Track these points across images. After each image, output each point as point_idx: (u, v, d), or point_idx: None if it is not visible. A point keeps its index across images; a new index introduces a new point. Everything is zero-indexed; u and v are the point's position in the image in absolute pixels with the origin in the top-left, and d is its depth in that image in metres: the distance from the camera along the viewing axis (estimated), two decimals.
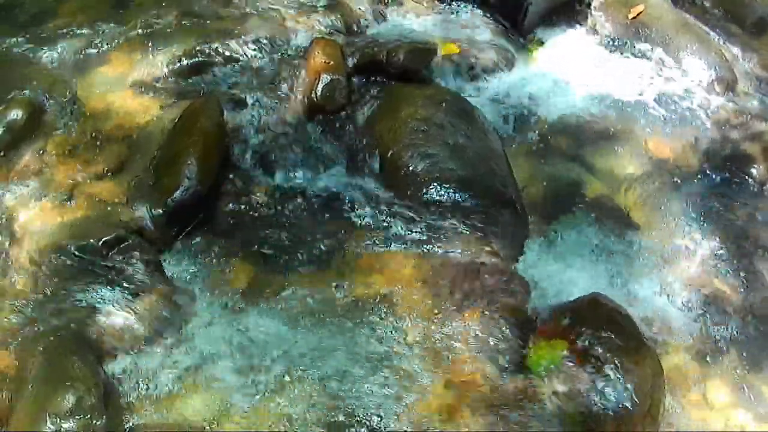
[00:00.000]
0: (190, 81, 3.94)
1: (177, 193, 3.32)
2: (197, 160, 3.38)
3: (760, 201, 3.85)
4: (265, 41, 4.11)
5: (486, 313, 3.08)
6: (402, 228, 3.38)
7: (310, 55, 3.86)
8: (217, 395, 2.87)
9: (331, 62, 3.79)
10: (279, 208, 3.50)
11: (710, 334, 3.32)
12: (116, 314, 3.05)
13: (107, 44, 4.11)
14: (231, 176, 3.57)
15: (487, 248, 3.31)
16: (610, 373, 2.81)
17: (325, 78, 3.75)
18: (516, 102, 4.17)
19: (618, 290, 3.33)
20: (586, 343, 2.89)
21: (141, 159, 3.53)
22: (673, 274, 3.50)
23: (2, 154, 3.57)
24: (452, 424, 2.78)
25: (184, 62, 3.98)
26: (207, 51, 4.03)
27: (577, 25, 4.68)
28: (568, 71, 4.38)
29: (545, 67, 4.41)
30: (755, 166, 3.95)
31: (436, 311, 3.11)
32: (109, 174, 3.52)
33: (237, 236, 3.39)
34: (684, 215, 3.74)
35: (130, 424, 2.78)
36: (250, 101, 3.81)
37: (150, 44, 4.08)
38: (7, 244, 3.29)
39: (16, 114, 3.66)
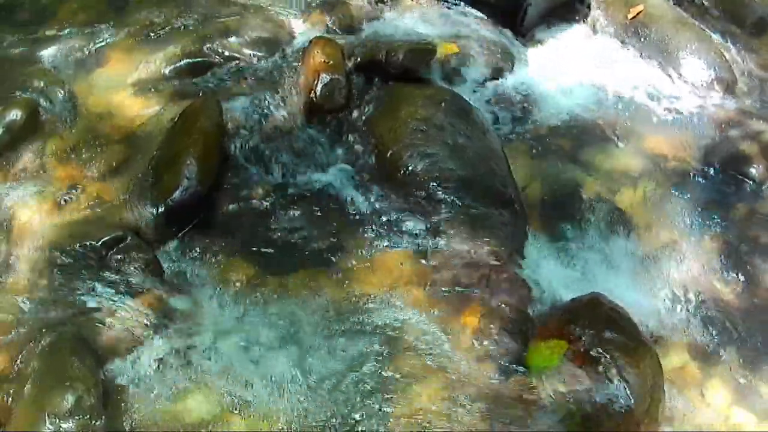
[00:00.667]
0: (189, 81, 3.95)
1: (176, 193, 3.31)
2: (196, 160, 3.38)
3: (760, 201, 3.85)
4: (264, 41, 4.12)
5: (485, 312, 3.09)
6: (401, 227, 3.38)
7: (309, 54, 3.85)
8: (216, 395, 2.87)
9: (331, 62, 3.79)
10: (278, 207, 3.50)
11: (710, 334, 3.32)
12: (115, 314, 3.05)
13: (106, 44, 4.11)
14: (230, 176, 3.57)
15: (487, 248, 3.31)
16: (610, 372, 2.81)
17: (325, 77, 3.75)
18: (515, 102, 4.17)
19: (617, 290, 3.32)
20: (586, 342, 2.89)
21: (140, 159, 3.53)
22: (673, 274, 3.50)
23: (1, 154, 3.58)
24: (452, 424, 2.78)
25: (184, 62, 3.99)
26: (206, 51, 4.04)
27: (577, 25, 4.68)
28: (568, 71, 4.38)
29: (545, 67, 4.40)
30: (754, 165, 3.95)
31: (435, 311, 3.11)
32: (109, 174, 3.53)
33: (236, 236, 3.38)
34: (683, 215, 3.74)
35: (130, 424, 2.78)
36: (249, 101, 3.81)
37: (149, 44, 4.09)
38: (6, 244, 3.29)
39: (15, 114, 3.66)
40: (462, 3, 4.57)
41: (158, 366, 2.94)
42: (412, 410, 2.82)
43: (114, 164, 3.56)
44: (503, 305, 3.11)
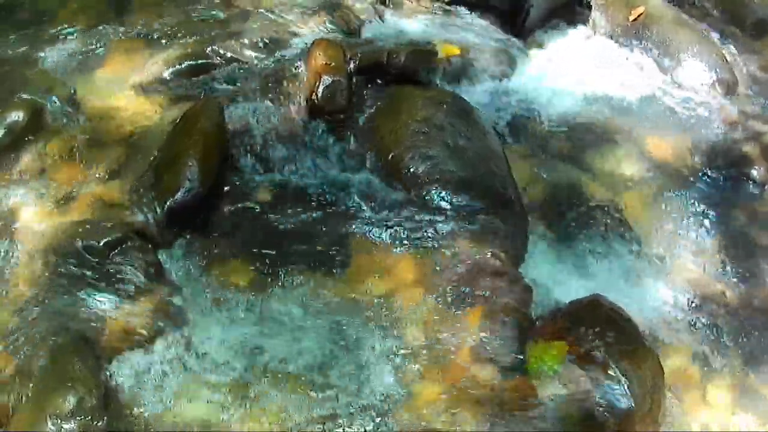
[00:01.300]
0: (190, 82, 3.94)
1: (178, 195, 3.31)
2: (198, 161, 3.38)
3: (761, 202, 3.85)
4: (266, 42, 4.11)
5: (486, 313, 3.09)
6: (402, 229, 3.38)
7: (311, 56, 3.86)
8: (217, 395, 2.87)
9: (332, 63, 3.79)
10: (279, 209, 3.50)
11: (710, 336, 3.32)
12: (117, 315, 3.05)
13: (108, 46, 4.11)
14: (231, 177, 3.57)
15: (488, 249, 3.31)
16: (611, 374, 2.81)
17: (326, 79, 3.75)
18: (516, 103, 4.17)
19: (618, 291, 3.32)
20: (587, 344, 2.89)
21: (141, 160, 3.53)
22: (674, 275, 3.51)
23: (3, 155, 3.58)
24: (453, 424, 2.78)
25: (185, 63, 3.98)
26: (208, 52, 4.03)
27: (578, 27, 4.69)
28: (569, 72, 4.39)
29: (545, 69, 4.41)
30: (756, 167, 3.96)
31: (436, 312, 3.11)
32: (110, 175, 3.52)
33: (237, 237, 3.38)
34: (684, 216, 3.74)
35: (131, 425, 2.78)
36: (250, 102, 3.81)
37: (150, 45, 4.10)
38: (8, 245, 3.29)
39: (16, 116, 3.67)
40: (463, 5, 4.58)
41: (159, 367, 2.94)
42: (413, 411, 2.82)
43: (115, 165, 3.56)
44: (504, 306, 3.11)
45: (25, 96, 3.79)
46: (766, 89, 4.43)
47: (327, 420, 2.80)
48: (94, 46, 4.10)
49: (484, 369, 2.95)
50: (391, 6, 4.54)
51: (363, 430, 2.78)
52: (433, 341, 3.03)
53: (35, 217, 3.37)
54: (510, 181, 3.61)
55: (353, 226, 3.43)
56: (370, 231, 3.41)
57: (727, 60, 4.45)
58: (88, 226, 3.32)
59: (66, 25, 4.22)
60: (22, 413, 2.76)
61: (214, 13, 4.31)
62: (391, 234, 3.39)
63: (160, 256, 3.29)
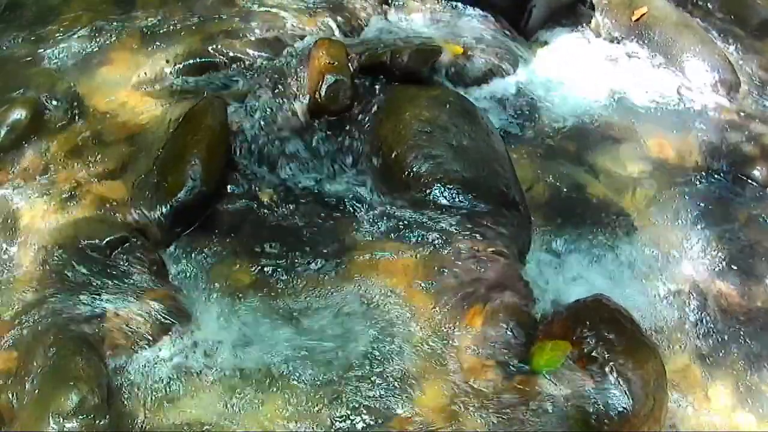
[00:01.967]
0: (193, 81, 3.94)
1: (181, 194, 3.32)
2: (201, 160, 3.38)
3: (763, 203, 3.85)
4: (269, 41, 4.11)
5: (489, 313, 3.08)
6: (405, 228, 3.38)
7: (313, 55, 3.85)
8: (219, 395, 2.87)
9: (335, 63, 3.78)
10: (282, 208, 3.50)
11: (714, 336, 3.32)
12: (119, 314, 3.05)
13: (111, 44, 4.11)
14: (234, 176, 3.57)
15: (491, 249, 3.31)
16: (613, 373, 2.80)
17: (329, 78, 3.74)
18: (519, 103, 4.17)
19: (621, 291, 3.33)
20: (590, 344, 2.88)
21: (144, 159, 3.53)
22: (677, 276, 3.50)
23: (5, 153, 3.59)
24: (453, 424, 2.78)
25: (188, 62, 3.98)
26: (211, 51, 4.02)
27: (581, 27, 4.69)
28: (572, 73, 4.38)
29: (548, 69, 4.41)
30: (758, 168, 3.96)
31: (438, 311, 3.11)
32: (113, 174, 3.52)
33: (240, 236, 3.39)
34: (687, 217, 3.74)
35: (134, 424, 2.78)
36: (253, 101, 3.80)
37: (154, 44, 4.09)
38: (10, 243, 3.30)
39: (19, 114, 3.67)
40: (466, 4, 4.57)
41: (162, 366, 2.94)
42: (414, 411, 2.82)
43: (118, 164, 3.56)
44: (507, 306, 3.10)
45: (27, 94, 3.79)
46: None
47: (328, 419, 2.80)
48: (97, 45, 4.10)
49: (487, 368, 2.94)
50: (394, 5, 4.54)
51: (364, 429, 2.78)
52: (435, 340, 3.03)
53: (37, 215, 3.38)
54: (513, 181, 3.61)
55: (355, 226, 3.43)
56: (372, 230, 3.41)
57: (729, 60, 4.45)
58: (90, 225, 3.33)
59: (69, 24, 4.21)
60: (24, 412, 2.76)
61: (217, 11, 4.31)
62: (393, 233, 3.38)
63: (162, 255, 3.30)
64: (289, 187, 3.58)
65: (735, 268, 3.57)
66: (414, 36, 4.28)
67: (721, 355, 3.29)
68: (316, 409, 2.83)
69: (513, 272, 3.29)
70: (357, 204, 3.50)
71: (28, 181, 3.51)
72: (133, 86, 3.92)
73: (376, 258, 3.29)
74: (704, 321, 3.37)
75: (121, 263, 3.20)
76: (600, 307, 3.06)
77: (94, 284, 3.13)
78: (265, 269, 3.26)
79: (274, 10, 4.34)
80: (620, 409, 2.77)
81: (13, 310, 3.07)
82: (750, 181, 3.93)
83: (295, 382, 2.90)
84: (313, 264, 3.28)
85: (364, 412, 2.82)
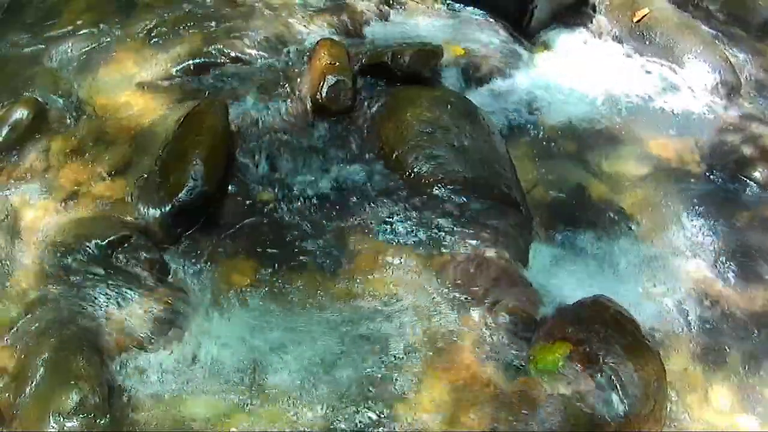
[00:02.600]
0: (195, 81, 3.95)
1: (182, 193, 3.32)
2: (203, 160, 3.39)
3: (763, 204, 3.85)
4: (270, 42, 4.12)
5: (490, 314, 3.09)
6: (406, 229, 3.38)
7: (315, 56, 3.86)
8: (220, 394, 2.87)
9: (337, 63, 3.79)
10: (283, 208, 3.50)
11: (714, 337, 3.32)
12: (121, 313, 3.05)
13: (113, 44, 4.12)
14: (236, 176, 3.57)
15: (492, 250, 3.31)
16: (613, 375, 2.81)
17: (331, 79, 3.75)
18: (521, 104, 4.17)
19: (622, 292, 3.32)
20: (590, 344, 2.89)
21: (146, 159, 3.53)
22: (677, 277, 3.50)
23: (7, 153, 3.59)
24: (455, 424, 2.79)
25: (190, 62, 3.99)
26: (213, 51, 4.04)
27: (582, 28, 4.69)
28: (573, 74, 4.38)
29: (550, 70, 4.41)
30: (759, 169, 3.95)
31: (439, 311, 3.12)
32: (115, 173, 3.53)
33: (241, 236, 3.39)
34: (688, 218, 3.74)
35: (134, 423, 2.78)
36: (255, 102, 3.81)
37: (156, 44, 4.10)
38: (12, 243, 3.30)
39: (21, 113, 3.67)
40: (468, 5, 4.58)
41: (163, 366, 2.95)
42: (416, 411, 2.82)
43: (120, 164, 3.56)
44: (508, 306, 3.11)
45: (30, 94, 3.81)
46: None
47: (329, 419, 2.80)
48: (99, 45, 4.10)
49: (488, 369, 2.95)
50: (396, 6, 4.54)
51: (364, 429, 2.78)
52: (437, 341, 3.03)
53: (40, 214, 3.38)
54: (515, 182, 3.62)
55: (357, 226, 3.43)
56: (374, 230, 3.41)
57: (730, 62, 4.45)
58: (91, 224, 3.33)
59: (71, 24, 4.22)
60: (25, 411, 2.76)
61: (218, 12, 4.31)
62: (394, 234, 3.39)
63: (164, 255, 3.30)
64: (290, 187, 3.58)
65: (735, 268, 3.57)
66: (415, 37, 4.29)
67: (721, 356, 3.28)
68: (316, 408, 2.83)
69: (514, 273, 3.30)
70: (358, 204, 3.50)
71: (30, 181, 3.52)
72: (134, 86, 3.93)
73: (376, 258, 3.29)
74: (704, 322, 3.37)
75: (123, 263, 3.20)
76: (600, 308, 3.06)
77: (96, 283, 3.13)
78: (266, 269, 3.26)
79: (275, 10, 4.35)
80: (621, 410, 2.77)
81: (14, 308, 3.07)
82: (750, 182, 3.93)
83: (295, 382, 2.91)
84: (313, 264, 3.29)
85: (365, 411, 2.82)
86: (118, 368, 2.91)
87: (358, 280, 3.23)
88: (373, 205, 3.49)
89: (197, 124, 3.55)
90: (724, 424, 3.09)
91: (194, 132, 3.52)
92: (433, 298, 3.16)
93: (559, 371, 2.87)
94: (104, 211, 3.40)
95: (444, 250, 3.31)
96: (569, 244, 3.55)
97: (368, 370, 2.95)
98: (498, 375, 2.93)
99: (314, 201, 3.52)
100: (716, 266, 3.58)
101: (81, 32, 4.19)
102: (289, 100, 3.83)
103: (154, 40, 4.14)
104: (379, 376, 2.93)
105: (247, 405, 2.84)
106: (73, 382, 2.75)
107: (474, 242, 3.33)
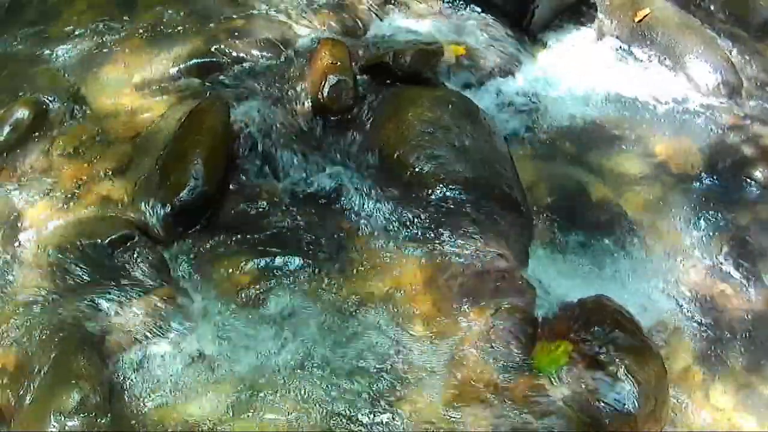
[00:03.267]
0: (196, 81, 3.94)
1: (183, 193, 3.32)
2: (204, 160, 3.39)
3: (764, 204, 3.85)
4: (271, 42, 4.12)
5: (491, 313, 3.09)
6: (407, 229, 3.38)
7: (316, 55, 3.86)
8: (221, 393, 2.88)
9: (338, 63, 3.79)
10: (284, 208, 3.50)
11: (715, 336, 3.33)
12: (122, 312, 3.06)
13: (113, 44, 4.12)
14: (237, 176, 3.57)
15: (493, 249, 3.31)
16: (615, 374, 2.81)
17: (332, 79, 3.75)
18: (522, 104, 4.18)
19: (622, 292, 3.33)
20: (591, 344, 2.89)
21: (147, 158, 3.54)
22: (678, 277, 3.51)
23: (9, 153, 3.59)
24: (457, 424, 2.78)
25: (191, 62, 3.99)
26: (213, 51, 4.04)
27: (584, 27, 4.68)
28: (574, 74, 4.38)
29: (551, 70, 4.41)
30: (760, 169, 3.95)
31: (441, 311, 3.12)
32: (116, 173, 3.53)
33: (242, 236, 3.38)
34: (688, 218, 3.74)
35: (135, 422, 2.78)
36: (256, 102, 3.81)
37: (156, 44, 4.09)
38: (13, 242, 3.30)
39: (22, 113, 3.67)
40: (469, 5, 4.58)
41: (164, 365, 2.95)
42: (417, 411, 2.82)
43: (121, 163, 3.56)
44: (509, 306, 3.11)
45: (30, 94, 3.80)
46: None
47: (330, 418, 2.80)
48: (100, 45, 4.10)
49: (489, 369, 2.95)
50: (397, 6, 4.54)
51: (365, 429, 2.78)
52: (437, 341, 3.03)
53: (41, 214, 3.39)
54: (515, 182, 3.61)
55: (358, 225, 3.44)
56: (375, 230, 3.41)
57: (731, 62, 4.45)
58: (92, 224, 3.34)
59: (72, 24, 4.22)
60: (26, 410, 2.76)
61: (219, 12, 4.31)
62: (395, 233, 3.39)
63: (165, 254, 3.30)
64: (291, 187, 3.58)
65: (736, 268, 3.57)
66: (416, 36, 4.29)
67: (721, 355, 3.29)
68: (316, 407, 2.84)
69: (515, 273, 3.30)
70: (359, 204, 3.50)
71: (31, 180, 3.52)
72: (135, 86, 3.93)
73: (377, 258, 3.29)
74: (705, 321, 3.37)
75: (123, 262, 3.21)
76: (601, 308, 3.07)
77: (96, 283, 3.14)
78: (267, 269, 3.26)
79: (276, 10, 4.35)
80: (622, 409, 2.78)
81: (15, 308, 3.07)
82: (751, 182, 3.93)
83: (295, 381, 2.91)
84: (313, 263, 3.28)
85: (365, 411, 2.82)
86: (119, 367, 2.92)
87: (358, 280, 3.23)
88: (373, 204, 3.49)
89: (198, 124, 3.56)
90: (724, 423, 3.10)
91: (195, 132, 3.52)
92: (434, 297, 3.16)
93: (559, 371, 2.87)
94: (105, 210, 3.40)
95: (445, 250, 3.31)
96: (570, 244, 3.55)
97: (368, 370, 2.95)
98: (500, 375, 2.93)
99: (315, 200, 3.52)
100: (717, 266, 3.58)
101: (81, 32, 4.18)
102: (290, 100, 3.83)
103: (154, 40, 4.14)
104: (379, 376, 2.93)
105: (247, 404, 2.85)
106: (73, 382, 2.76)
107: (474, 242, 3.33)
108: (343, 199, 3.52)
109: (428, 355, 2.98)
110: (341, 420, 2.81)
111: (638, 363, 2.84)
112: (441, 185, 3.45)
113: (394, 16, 4.49)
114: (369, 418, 2.81)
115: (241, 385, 2.91)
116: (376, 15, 4.45)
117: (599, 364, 2.84)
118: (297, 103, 3.80)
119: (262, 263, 3.28)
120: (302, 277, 3.25)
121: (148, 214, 3.34)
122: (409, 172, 3.50)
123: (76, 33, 4.19)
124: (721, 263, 3.59)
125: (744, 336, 3.36)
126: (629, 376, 2.80)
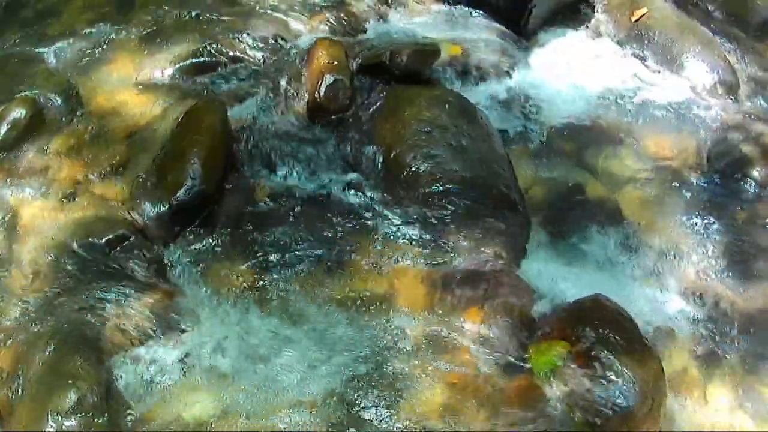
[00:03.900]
0: (194, 80, 3.95)
1: (181, 193, 3.32)
2: (201, 159, 3.39)
3: (761, 203, 3.85)
4: (269, 41, 4.12)
5: (488, 313, 3.09)
6: (404, 229, 3.39)
7: (313, 55, 3.86)
8: (218, 394, 2.88)
9: (335, 63, 3.79)
10: (281, 208, 3.50)
11: (712, 336, 3.32)
12: (119, 312, 3.06)
13: (111, 43, 4.12)
14: (234, 176, 3.58)
15: (490, 249, 3.32)
16: (612, 373, 2.81)
17: (329, 78, 3.75)
18: (519, 103, 4.17)
19: (619, 291, 3.32)
20: (588, 343, 2.89)
21: (145, 158, 3.53)
22: (675, 276, 3.50)
23: (6, 152, 3.59)
24: (453, 424, 2.79)
25: (188, 62, 3.99)
26: (211, 51, 4.04)
27: (581, 27, 4.68)
28: (572, 73, 4.38)
29: (548, 69, 4.40)
30: (757, 168, 3.95)
31: (437, 312, 3.12)
32: (113, 173, 3.53)
33: (239, 235, 3.39)
34: (686, 217, 3.74)
35: (132, 422, 2.78)
36: (253, 101, 3.82)
37: (154, 43, 4.10)
38: (10, 242, 3.30)
39: (20, 112, 3.67)
40: (466, 5, 4.58)
41: (161, 365, 2.95)
42: (414, 411, 2.82)
43: (118, 163, 3.56)
44: (506, 306, 3.11)
45: (28, 93, 3.79)
46: None
47: (328, 419, 2.80)
48: (97, 44, 4.10)
49: (486, 368, 2.95)
50: (394, 5, 4.54)
51: (364, 429, 2.78)
52: (434, 341, 3.04)
53: (38, 213, 3.38)
54: (513, 181, 3.61)
55: (354, 225, 3.44)
56: (371, 230, 3.41)
57: (729, 61, 4.45)
58: (90, 223, 3.34)
59: (70, 23, 4.23)
60: (23, 409, 2.76)
61: (217, 11, 4.31)
62: (392, 233, 3.39)
63: (162, 254, 3.30)
64: (289, 186, 3.58)
65: (734, 268, 3.57)
66: (413, 36, 4.28)
67: (720, 355, 3.28)
68: (316, 407, 2.84)
69: (512, 272, 3.30)
70: (356, 203, 3.50)
71: (28, 180, 3.52)
72: (133, 85, 3.93)
73: (374, 257, 3.29)
74: (703, 321, 3.37)
75: (121, 262, 3.21)
76: (599, 307, 3.06)
77: (93, 282, 3.14)
78: (264, 268, 3.26)
79: (274, 10, 4.35)
80: (619, 409, 2.78)
81: (12, 308, 3.07)
82: (749, 181, 3.93)
83: (294, 381, 2.91)
84: (311, 263, 3.29)
85: (364, 411, 2.83)
86: (116, 367, 2.92)
87: (356, 280, 3.23)
88: (370, 204, 3.49)
89: (196, 124, 3.55)
90: (722, 423, 3.09)
91: (192, 131, 3.52)
92: (431, 297, 3.16)
93: (557, 370, 2.87)
94: (103, 210, 3.40)
95: (442, 250, 3.31)
96: (567, 243, 3.55)
97: (368, 370, 2.95)
98: (497, 374, 2.93)
99: (312, 200, 3.52)
100: (715, 265, 3.58)
101: (80, 31, 4.19)
102: (287, 99, 3.83)
103: (152, 39, 4.14)
104: (379, 375, 2.93)
105: (245, 404, 2.84)
106: (71, 382, 2.75)
107: (472, 241, 3.33)
108: (339, 198, 3.53)
109: (425, 355, 2.98)
110: (340, 420, 2.80)
111: (635, 363, 2.84)
112: (438, 185, 3.45)
113: (390, 15, 4.49)
114: (367, 417, 2.81)
115: (239, 385, 2.90)
116: (373, 14, 4.45)
117: (596, 363, 2.83)
118: (294, 102, 3.80)
119: (260, 263, 3.29)
120: (299, 276, 3.25)
121: (145, 213, 3.34)
122: (406, 172, 3.49)
123: (75, 32, 4.19)
124: (719, 262, 3.59)
125: (742, 335, 3.36)
126: (626, 375, 2.79)
